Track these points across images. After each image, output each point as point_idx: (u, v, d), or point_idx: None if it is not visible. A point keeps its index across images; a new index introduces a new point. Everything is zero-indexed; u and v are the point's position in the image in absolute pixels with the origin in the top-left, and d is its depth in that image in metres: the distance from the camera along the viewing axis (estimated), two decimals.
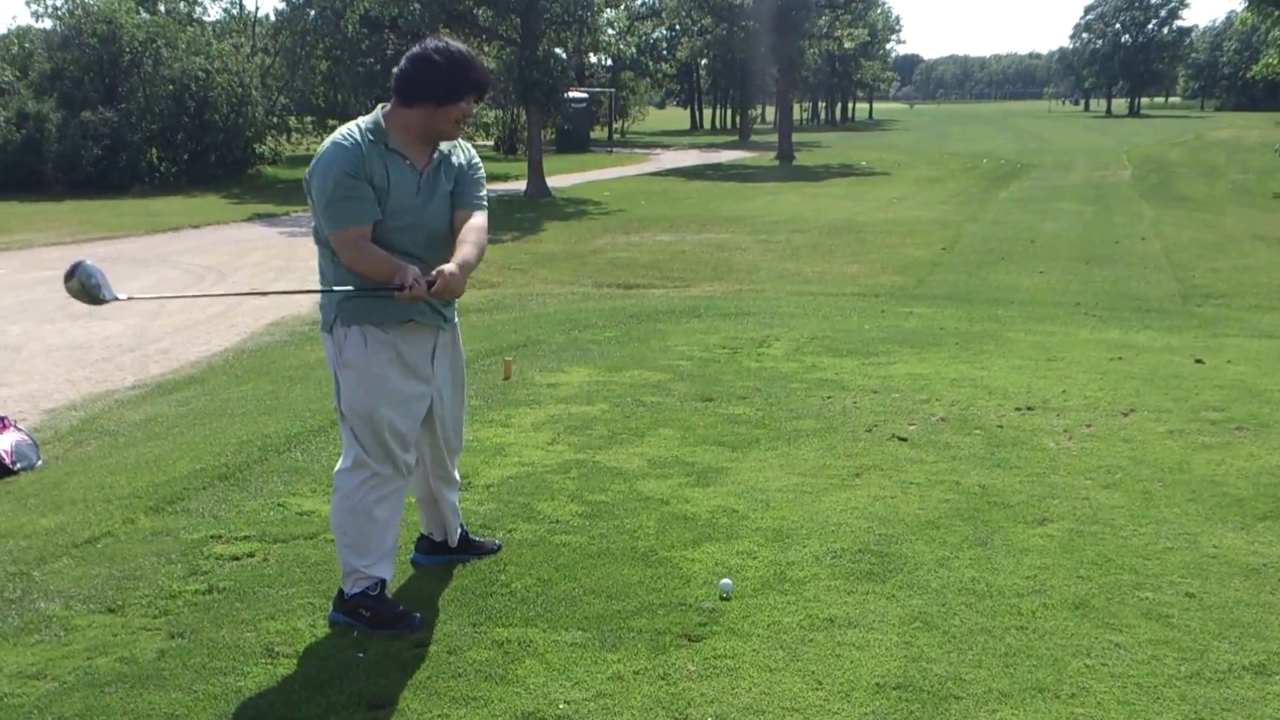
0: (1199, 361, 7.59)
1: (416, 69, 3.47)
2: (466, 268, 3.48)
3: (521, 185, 26.15)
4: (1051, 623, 3.64)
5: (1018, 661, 3.39)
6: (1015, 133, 63.20)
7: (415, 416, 3.70)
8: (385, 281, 3.41)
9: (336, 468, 3.72)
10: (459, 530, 4.19)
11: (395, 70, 3.53)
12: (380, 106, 3.58)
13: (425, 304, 3.55)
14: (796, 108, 78.68)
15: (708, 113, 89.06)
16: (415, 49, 3.52)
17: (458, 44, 3.54)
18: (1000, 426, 5.94)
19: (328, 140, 3.52)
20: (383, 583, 3.70)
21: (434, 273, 3.40)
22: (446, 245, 3.56)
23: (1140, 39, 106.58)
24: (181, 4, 36.01)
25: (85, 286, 3.40)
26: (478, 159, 3.77)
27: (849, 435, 5.79)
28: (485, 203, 3.73)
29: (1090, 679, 3.29)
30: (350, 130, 3.50)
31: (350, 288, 3.49)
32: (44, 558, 4.33)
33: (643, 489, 4.97)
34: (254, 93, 30.67)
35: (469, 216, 3.62)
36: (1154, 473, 5.15)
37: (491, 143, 43.12)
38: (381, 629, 3.62)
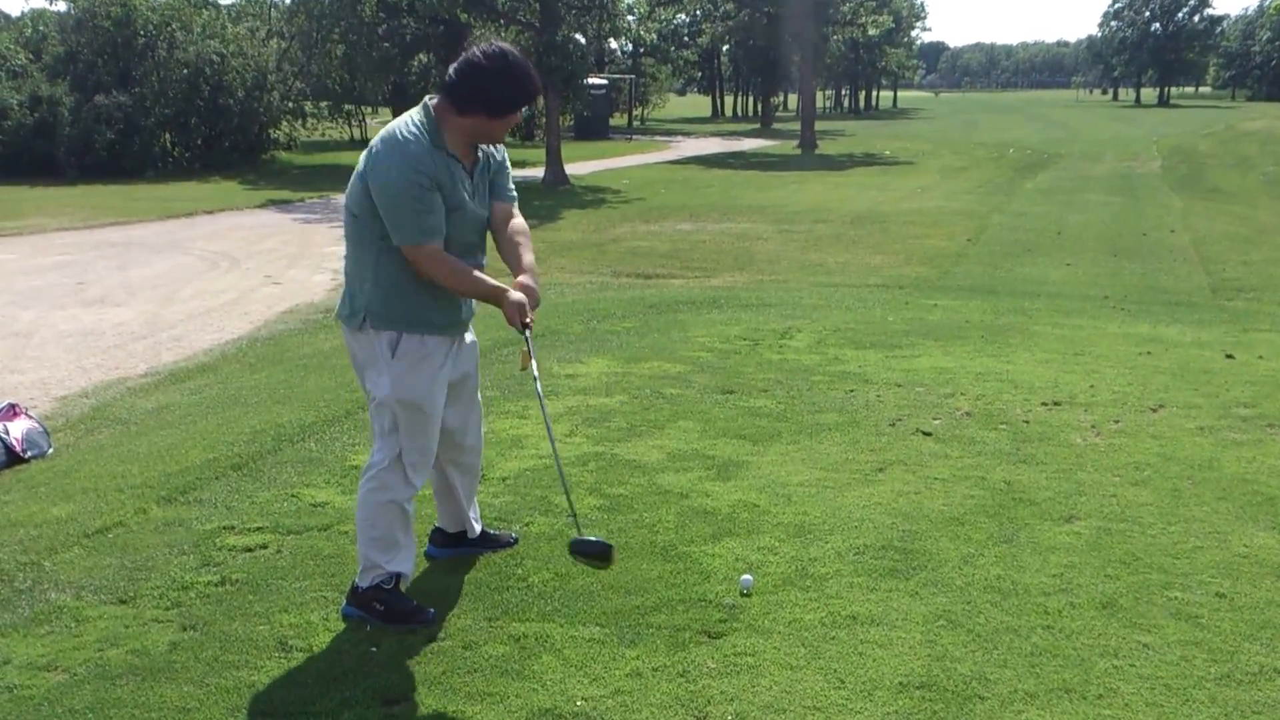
0: (1229, 357, 7.49)
1: (474, 80, 3.40)
2: (535, 272, 3.62)
3: (539, 172, 26.09)
4: (1078, 622, 3.59)
5: (1044, 661, 3.35)
6: (1042, 122, 62.75)
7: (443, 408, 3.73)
8: (461, 289, 3.53)
9: (371, 461, 3.65)
10: (477, 524, 4.14)
11: (450, 74, 3.44)
12: (429, 99, 3.52)
13: (467, 308, 3.69)
14: (820, 95, 78.43)
15: (729, 100, 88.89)
16: (473, 56, 3.43)
17: (515, 51, 3.48)
18: (1026, 422, 5.86)
19: (389, 137, 3.41)
20: (399, 577, 3.65)
21: (527, 294, 3.54)
22: (485, 232, 3.67)
23: (1170, 27, 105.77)
24: None
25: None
26: (505, 154, 3.77)
27: (872, 429, 5.73)
28: (515, 193, 3.79)
29: (1118, 680, 3.25)
30: (412, 131, 3.42)
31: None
32: (55, 547, 4.31)
33: (662, 482, 4.92)
34: (269, 77, 30.53)
35: (509, 211, 3.69)
36: (1183, 470, 5.09)
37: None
38: (395, 624, 3.58)
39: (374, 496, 3.60)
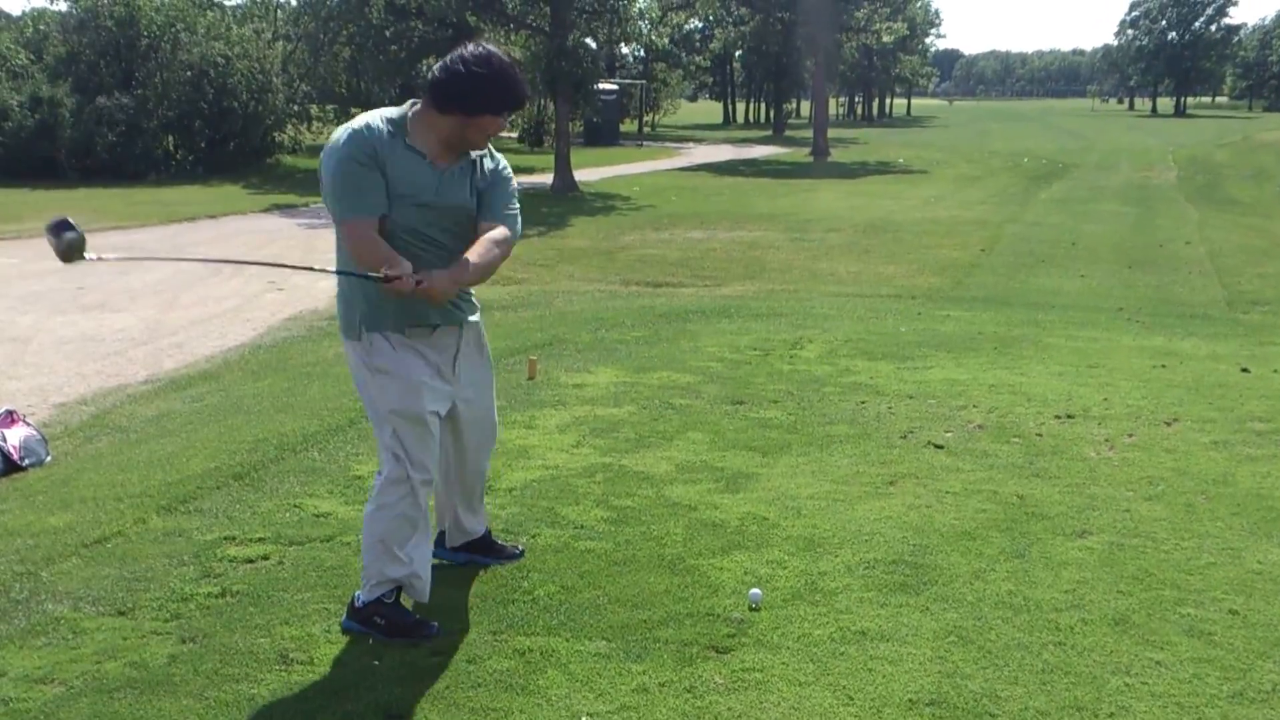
0: (1245, 370, 7.43)
1: (452, 77, 3.37)
2: (459, 277, 3.38)
3: (548, 179, 26.08)
4: (1090, 639, 3.56)
5: (1055, 679, 3.31)
6: (1057, 131, 62.75)
7: (441, 418, 3.65)
8: (371, 268, 3.32)
9: (379, 476, 3.61)
10: (483, 528, 4.11)
11: (434, 72, 3.43)
12: (410, 103, 3.49)
13: (432, 305, 3.48)
14: (833, 103, 78.40)
15: (741, 107, 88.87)
16: (456, 54, 3.40)
17: (500, 55, 3.43)
18: (1039, 435, 5.81)
19: (345, 126, 3.41)
20: (398, 590, 3.61)
21: (422, 274, 3.32)
22: (466, 238, 3.50)
23: (1187, 36, 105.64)
24: None
25: (69, 245, 3.41)
26: (507, 167, 3.67)
27: (883, 442, 5.68)
28: (515, 215, 3.61)
29: (1130, 698, 3.21)
30: (370, 118, 3.41)
31: (349, 271, 3.41)
32: (52, 557, 4.27)
33: (670, 494, 4.88)
34: (274, 80, 30.16)
35: (491, 228, 3.52)
36: (1197, 485, 5.04)
37: (517, 135, 42.95)
38: (397, 638, 3.54)
39: (385, 512, 3.53)
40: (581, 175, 26.92)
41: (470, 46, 3.44)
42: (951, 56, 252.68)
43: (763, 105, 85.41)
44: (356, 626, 3.60)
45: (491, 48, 3.45)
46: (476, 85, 3.36)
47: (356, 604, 3.61)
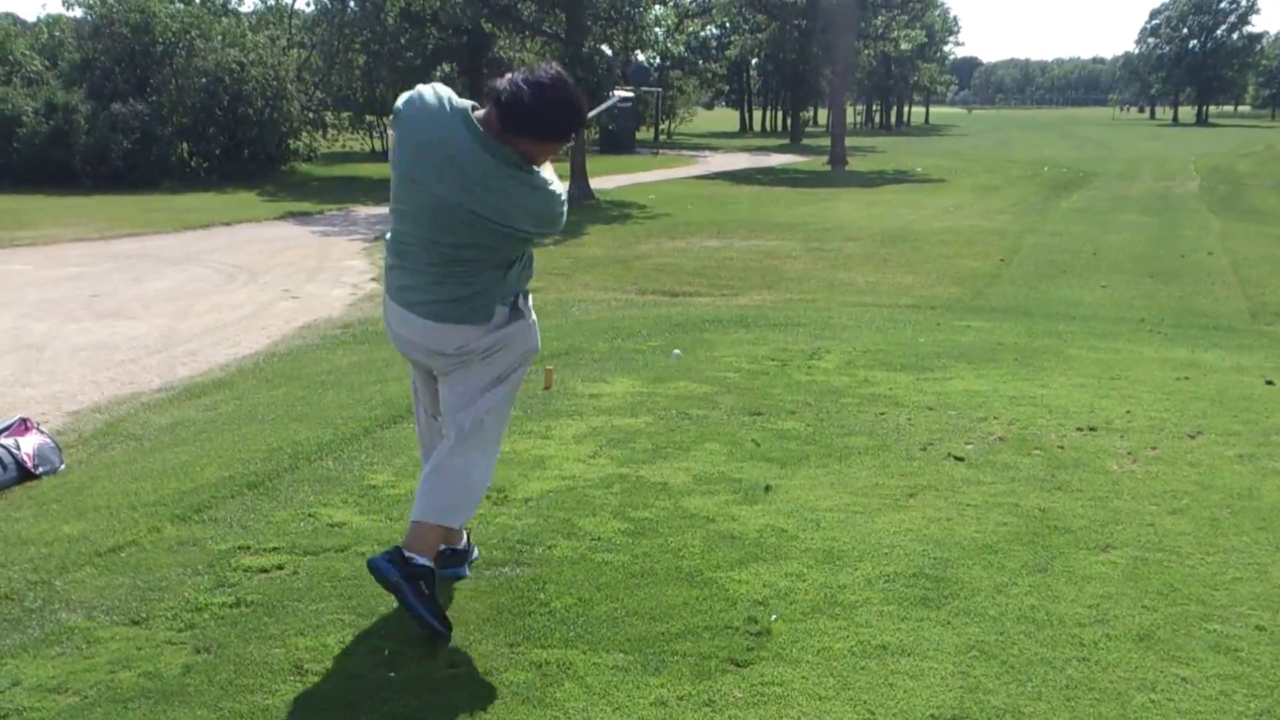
0: (1269, 383, 7.34)
1: (523, 101, 3.37)
2: None
3: (564, 187, 26.07)
4: (1115, 654, 3.51)
5: (1079, 695, 3.26)
6: (1078, 140, 62.57)
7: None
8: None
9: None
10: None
11: (502, 92, 3.38)
12: (473, 108, 3.45)
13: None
14: (850, 111, 78.34)
15: (758, 114, 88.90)
16: (529, 75, 3.40)
17: (566, 80, 3.46)
18: (1061, 447, 5.75)
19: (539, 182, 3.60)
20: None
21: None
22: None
23: (1209, 44, 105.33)
24: None
25: None
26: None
27: (903, 454, 5.63)
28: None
29: (1155, 715, 3.16)
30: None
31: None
32: (66, 566, 4.26)
33: (688, 506, 4.84)
34: (289, 87, 30.25)
35: None
36: (1222, 499, 4.97)
37: None
38: (428, 615, 3.49)
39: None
40: (597, 183, 26.95)
41: (541, 70, 3.48)
42: (970, 64, 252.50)
43: (779, 113, 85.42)
44: (397, 577, 3.46)
45: (560, 69, 3.50)
46: (550, 109, 3.47)
47: (411, 560, 3.50)
